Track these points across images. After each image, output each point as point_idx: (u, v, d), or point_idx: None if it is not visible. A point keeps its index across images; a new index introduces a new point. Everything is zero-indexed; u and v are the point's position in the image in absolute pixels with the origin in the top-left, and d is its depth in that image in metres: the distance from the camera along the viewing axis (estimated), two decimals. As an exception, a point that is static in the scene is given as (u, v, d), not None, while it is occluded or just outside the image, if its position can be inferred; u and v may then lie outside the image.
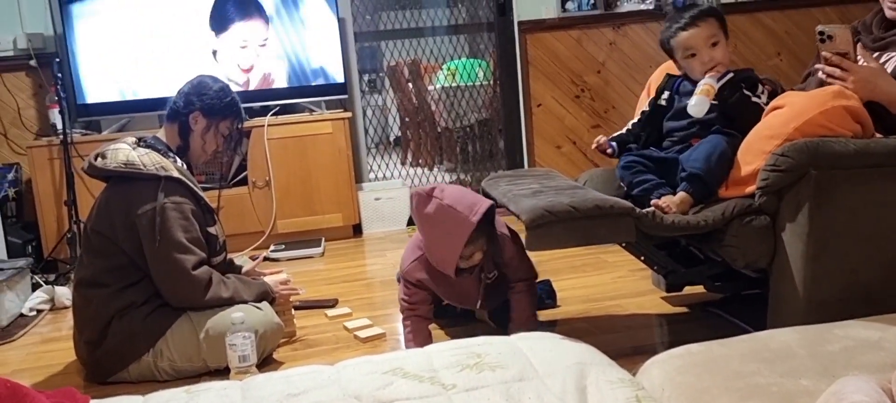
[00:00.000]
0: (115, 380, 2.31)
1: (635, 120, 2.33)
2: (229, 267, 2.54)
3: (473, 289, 2.32)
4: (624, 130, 2.30)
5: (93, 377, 2.35)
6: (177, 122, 2.44)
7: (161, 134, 2.47)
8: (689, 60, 2.14)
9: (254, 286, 2.41)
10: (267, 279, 2.53)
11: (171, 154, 2.40)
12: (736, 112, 2.05)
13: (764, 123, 1.95)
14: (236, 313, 2.19)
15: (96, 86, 3.92)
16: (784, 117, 1.89)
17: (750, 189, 1.92)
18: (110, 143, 2.38)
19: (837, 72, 1.91)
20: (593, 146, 2.28)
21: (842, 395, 1.15)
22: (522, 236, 1.96)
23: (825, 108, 1.84)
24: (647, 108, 2.29)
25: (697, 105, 2.03)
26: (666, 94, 2.23)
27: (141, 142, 2.38)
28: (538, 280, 2.74)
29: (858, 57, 1.93)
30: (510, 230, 2.33)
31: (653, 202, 2.00)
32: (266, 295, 2.43)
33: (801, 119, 1.85)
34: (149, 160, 2.30)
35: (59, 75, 3.68)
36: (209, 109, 2.43)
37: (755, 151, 1.94)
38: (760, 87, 2.10)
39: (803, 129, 1.84)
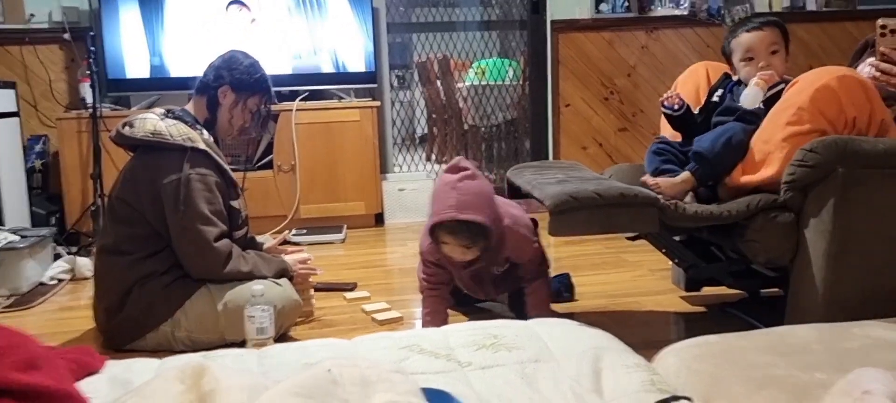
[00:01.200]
0: (132, 348, 2.33)
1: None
2: (250, 244, 2.56)
3: (485, 276, 2.33)
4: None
5: (110, 344, 2.38)
6: (205, 95, 2.46)
7: (190, 107, 2.49)
8: (748, 63, 2.14)
9: (273, 262, 2.43)
10: (286, 257, 2.54)
11: (199, 126, 2.42)
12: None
13: (781, 100, 1.95)
14: (256, 285, 2.21)
15: (128, 63, 3.98)
16: (798, 88, 1.89)
17: (769, 172, 1.91)
18: (139, 114, 2.41)
19: (894, 68, 1.90)
20: (664, 98, 2.21)
21: (858, 383, 1.15)
22: (545, 222, 1.96)
23: (837, 75, 1.83)
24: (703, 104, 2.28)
25: (751, 95, 2.04)
26: (719, 92, 2.22)
27: (169, 113, 2.41)
28: (557, 274, 2.76)
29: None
30: (530, 226, 2.32)
31: (642, 179, 2.00)
32: (285, 273, 2.44)
33: (813, 86, 1.85)
34: (176, 131, 2.33)
35: (93, 49, 3.74)
36: (238, 84, 2.45)
37: (770, 128, 1.93)
38: None
39: (815, 97, 1.84)
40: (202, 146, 2.34)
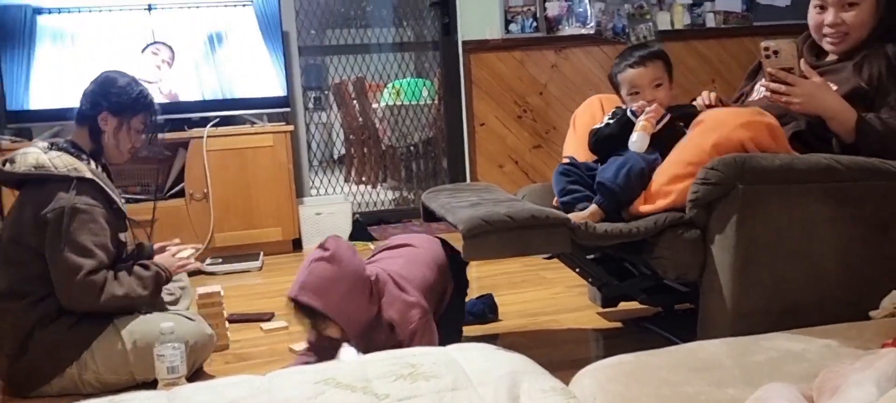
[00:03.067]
0: (37, 395, 2.22)
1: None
2: (139, 252, 2.45)
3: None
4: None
5: (14, 391, 2.25)
6: (86, 125, 2.35)
7: (74, 137, 2.38)
8: (633, 96, 2.21)
9: (147, 277, 2.29)
10: (159, 259, 2.39)
11: (85, 156, 2.31)
12: (672, 145, 2.10)
13: (686, 138, 2.01)
14: (166, 322, 2.13)
15: (27, 93, 3.80)
16: (703, 130, 1.96)
17: (665, 202, 1.97)
18: (20, 148, 2.30)
19: (782, 87, 1.97)
20: (642, 108, 2.15)
21: (765, 400, 1.18)
22: (459, 246, 1.96)
23: (743, 121, 1.91)
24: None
25: (638, 141, 2.09)
26: (611, 122, 2.26)
27: (53, 145, 2.30)
28: (480, 294, 2.77)
29: (802, 71, 2.00)
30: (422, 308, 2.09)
31: (571, 215, 2.03)
32: (161, 279, 2.32)
33: (719, 131, 1.91)
34: (61, 162, 2.22)
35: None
36: (117, 107, 2.34)
37: (674, 164, 2.00)
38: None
39: (721, 144, 1.90)
40: (89, 175, 2.24)
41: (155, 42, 3.92)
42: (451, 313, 2.31)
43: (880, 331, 1.65)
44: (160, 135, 3.25)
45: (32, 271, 2.21)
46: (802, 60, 2.06)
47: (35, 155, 2.23)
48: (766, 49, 1.99)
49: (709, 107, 2.21)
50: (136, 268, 2.32)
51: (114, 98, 2.33)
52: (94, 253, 2.18)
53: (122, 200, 2.37)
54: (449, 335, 2.19)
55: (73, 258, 2.15)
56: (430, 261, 2.21)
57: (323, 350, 2.13)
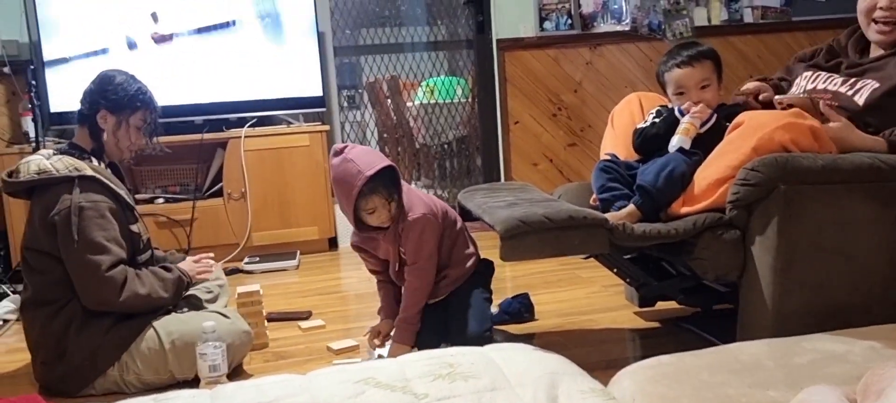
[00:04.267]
0: (82, 395, 2.26)
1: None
2: (153, 261, 2.48)
3: (394, 255, 2.35)
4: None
5: (57, 393, 2.28)
6: (86, 125, 2.38)
7: (77, 139, 2.42)
8: (679, 96, 2.18)
9: (169, 280, 2.33)
10: (181, 265, 2.44)
11: (87, 155, 2.35)
12: (715, 144, 2.08)
13: (725, 140, 1.99)
14: (207, 322, 2.17)
15: (70, 95, 3.87)
16: (743, 132, 1.93)
17: (704, 204, 1.95)
18: (24, 158, 2.35)
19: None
20: (695, 112, 2.14)
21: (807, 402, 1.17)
22: (497, 248, 1.96)
23: (783, 123, 1.88)
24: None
25: (678, 144, 2.07)
26: (657, 120, 2.24)
27: (56, 151, 2.35)
28: (516, 294, 2.78)
29: (821, 114, 1.98)
30: (434, 216, 2.30)
31: (609, 215, 2.02)
32: (182, 283, 2.37)
33: (759, 132, 1.89)
34: (61, 164, 2.26)
35: (33, 83, 3.65)
36: (115, 105, 2.36)
37: (714, 167, 1.97)
38: None
39: (761, 147, 1.88)
40: (90, 173, 2.27)
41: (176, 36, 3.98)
42: (460, 300, 2.36)
43: (926, 333, 1.62)
44: (202, 135, 3.30)
45: (52, 277, 2.24)
46: (823, 102, 2.02)
47: (37, 162, 2.28)
48: (780, 103, 1.98)
49: (753, 98, 2.19)
50: (159, 270, 2.35)
51: (111, 96, 2.36)
52: (108, 248, 2.22)
53: (129, 193, 2.39)
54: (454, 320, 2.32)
55: (89, 257, 2.19)
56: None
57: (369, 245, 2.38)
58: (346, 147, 2.24)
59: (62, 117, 3.89)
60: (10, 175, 2.31)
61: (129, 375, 2.25)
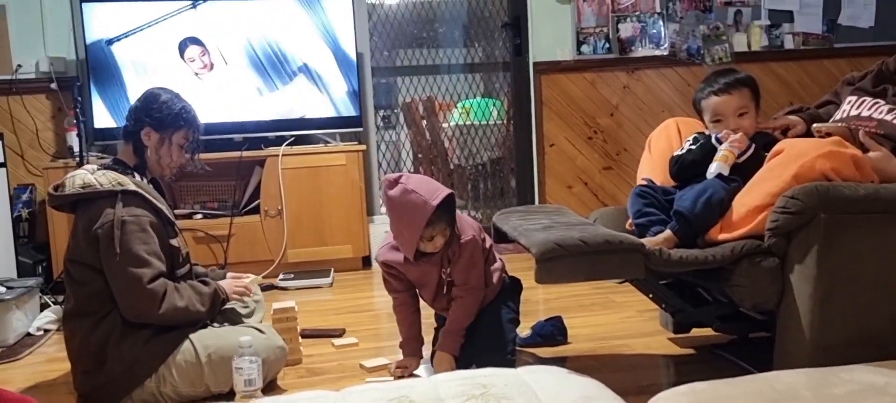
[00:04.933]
0: (119, 406, 2.31)
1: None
2: (194, 277, 2.52)
3: (435, 278, 2.37)
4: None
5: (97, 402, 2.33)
6: (131, 141, 2.44)
7: (121, 155, 2.48)
8: (716, 124, 2.18)
9: (205, 294, 2.37)
10: (221, 283, 2.49)
11: (129, 171, 2.41)
12: (754, 171, 2.07)
13: (765, 167, 1.97)
14: (244, 336, 2.20)
15: (113, 111, 3.98)
16: (784, 160, 1.91)
17: (743, 231, 1.94)
18: (68, 173, 2.41)
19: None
20: (733, 140, 2.13)
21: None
22: (532, 271, 1.97)
23: (824, 151, 1.86)
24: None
25: (717, 171, 2.07)
26: (694, 147, 2.23)
27: (100, 166, 2.41)
28: (550, 317, 2.77)
29: (861, 144, 1.96)
30: (480, 238, 2.37)
31: (645, 240, 2.02)
32: (217, 298, 2.40)
33: (800, 161, 1.87)
34: (105, 179, 2.31)
35: (79, 99, 3.75)
36: (159, 123, 2.41)
37: (753, 194, 1.96)
38: None
39: (802, 175, 1.86)
40: (133, 188, 2.32)
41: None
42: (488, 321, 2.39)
43: (967, 366, 1.59)
44: (241, 153, 3.34)
45: (94, 288, 2.29)
46: (862, 131, 2.01)
47: (82, 176, 2.34)
48: (819, 132, 1.96)
49: (781, 133, 2.17)
50: (196, 284, 2.40)
51: (155, 113, 2.41)
52: (149, 262, 2.26)
53: (169, 208, 2.44)
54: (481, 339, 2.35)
55: (130, 270, 2.23)
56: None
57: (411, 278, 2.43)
58: (401, 177, 2.26)
59: (105, 133, 3.99)
60: (55, 189, 2.37)
61: (166, 387, 2.28)
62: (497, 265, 2.45)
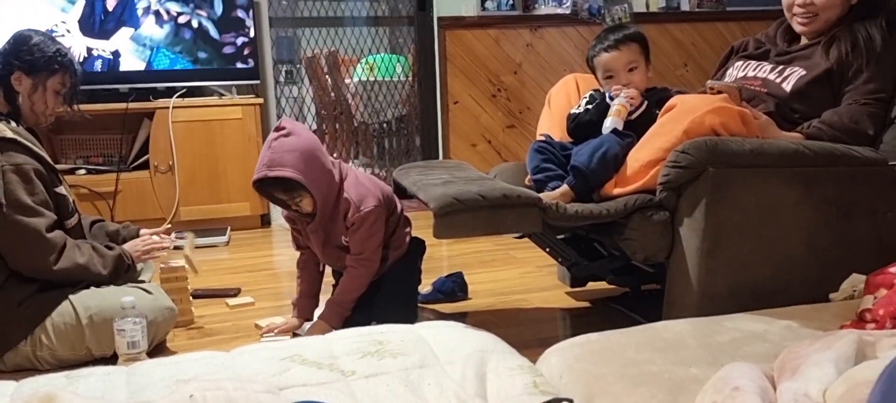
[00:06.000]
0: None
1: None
2: (81, 231, 2.39)
3: (333, 241, 2.31)
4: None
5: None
6: (0, 88, 2.26)
7: None
8: (608, 80, 2.21)
9: (108, 257, 2.25)
10: (125, 246, 2.37)
11: (3, 118, 2.23)
12: (647, 127, 2.10)
13: (658, 123, 2.02)
14: (126, 297, 2.09)
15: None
16: (675, 116, 1.96)
17: (635, 186, 1.98)
18: None
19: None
20: (628, 97, 2.15)
21: (727, 379, 1.19)
22: (430, 224, 1.94)
23: (714, 107, 1.91)
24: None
25: (611, 127, 2.10)
26: (590, 106, 2.25)
27: None
28: (451, 273, 2.77)
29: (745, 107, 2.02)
30: (381, 201, 2.27)
31: (542, 195, 2.03)
32: (122, 264, 2.28)
33: (690, 116, 1.92)
34: None
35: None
36: (31, 66, 2.25)
37: (646, 149, 2.00)
38: None
39: (692, 130, 1.91)
40: (10, 135, 2.16)
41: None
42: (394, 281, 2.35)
43: (839, 313, 1.68)
44: (127, 104, 3.16)
45: None
46: (744, 102, 2.08)
47: None
48: (711, 89, 2.02)
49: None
50: (98, 245, 2.27)
51: (26, 56, 2.24)
52: (40, 211, 2.12)
53: (45, 155, 2.26)
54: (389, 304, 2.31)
55: (22, 219, 2.09)
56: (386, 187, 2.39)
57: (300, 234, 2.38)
58: (288, 131, 2.18)
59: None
60: None
61: (43, 351, 2.15)
62: (407, 229, 2.40)
